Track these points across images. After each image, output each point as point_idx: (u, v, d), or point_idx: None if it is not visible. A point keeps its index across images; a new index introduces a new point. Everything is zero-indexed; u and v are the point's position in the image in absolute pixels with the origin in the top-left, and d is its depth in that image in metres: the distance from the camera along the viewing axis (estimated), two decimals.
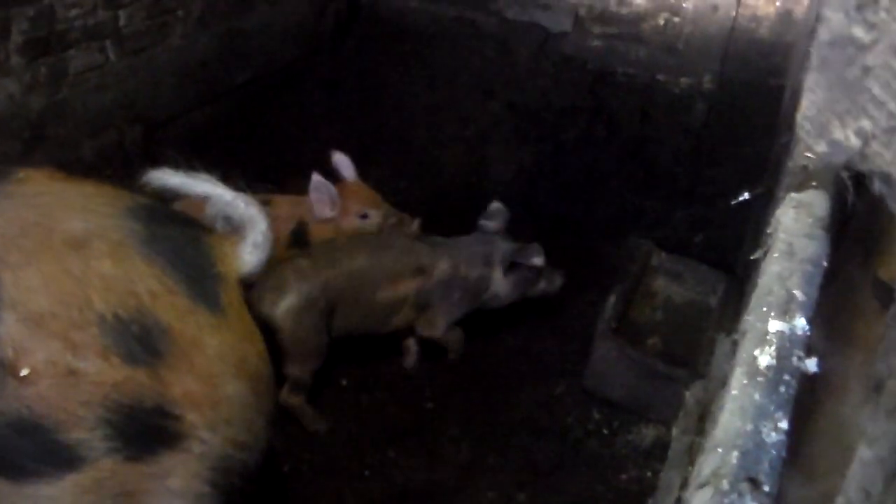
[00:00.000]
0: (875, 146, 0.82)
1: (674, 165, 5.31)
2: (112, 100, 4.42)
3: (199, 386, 1.90)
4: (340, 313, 3.46)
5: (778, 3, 5.32)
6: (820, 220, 1.31)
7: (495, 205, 3.88)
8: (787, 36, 5.21)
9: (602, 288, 4.03)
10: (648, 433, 3.61)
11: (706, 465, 0.84)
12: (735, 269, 3.97)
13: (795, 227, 1.27)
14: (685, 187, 5.16)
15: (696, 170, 5.24)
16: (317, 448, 3.50)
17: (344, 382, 3.84)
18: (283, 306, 3.30)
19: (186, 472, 1.95)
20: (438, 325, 3.72)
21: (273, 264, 2.87)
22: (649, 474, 3.42)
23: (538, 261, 3.63)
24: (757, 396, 0.92)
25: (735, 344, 1.08)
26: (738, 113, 5.32)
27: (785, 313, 1.05)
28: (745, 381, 0.94)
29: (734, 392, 0.93)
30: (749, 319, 1.06)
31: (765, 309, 1.06)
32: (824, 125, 0.85)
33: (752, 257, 1.41)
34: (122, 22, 4.37)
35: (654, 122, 5.52)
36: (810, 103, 0.88)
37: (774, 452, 0.85)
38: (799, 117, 0.89)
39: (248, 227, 2.15)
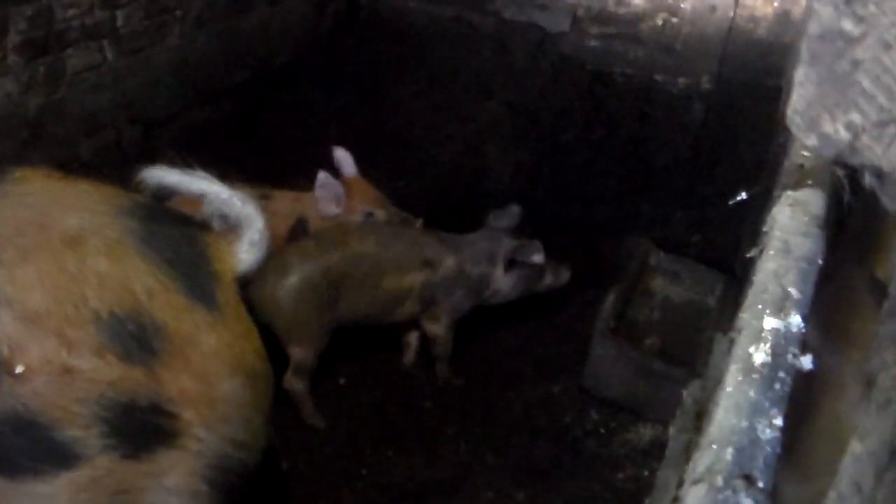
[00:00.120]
0: (865, 140, 0.82)
1: (672, 165, 5.32)
2: (110, 99, 4.42)
3: (195, 384, 1.90)
4: (346, 298, 3.47)
5: (776, 4, 5.32)
6: (816, 219, 1.31)
7: (514, 207, 3.87)
8: (784, 36, 5.21)
9: (600, 287, 4.03)
10: (646, 432, 3.61)
11: (701, 461, 0.84)
12: (733, 269, 3.97)
13: (791, 224, 1.28)
14: (683, 187, 5.17)
15: (694, 170, 5.24)
16: (315, 447, 3.50)
17: (342, 381, 3.83)
18: (285, 286, 3.31)
19: (183, 471, 1.95)
20: (442, 322, 3.71)
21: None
22: (646, 473, 3.42)
23: (538, 258, 3.63)
24: (752, 393, 0.92)
25: (731, 341, 1.08)
26: (736, 113, 5.32)
27: (780, 310, 1.05)
28: (740, 378, 0.95)
29: (729, 389, 0.93)
30: (744, 317, 1.07)
31: (760, 306, 1.06)
32: (814, 119, 0.85)
33: (748, 255, 1.41)
34: (119, 22, 4.36)
35: (653, 123, 5.52)
36: (800, 97, 0.88)
37: (769, 449, 0.85)
38: (789, 111, 0.90)
39: (244, 225, 2.15)
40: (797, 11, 5.14)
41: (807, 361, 1.00)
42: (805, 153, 1.53)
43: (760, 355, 0.98)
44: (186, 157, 2.21)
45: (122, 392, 1.80)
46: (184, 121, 5.01)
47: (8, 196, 1.96)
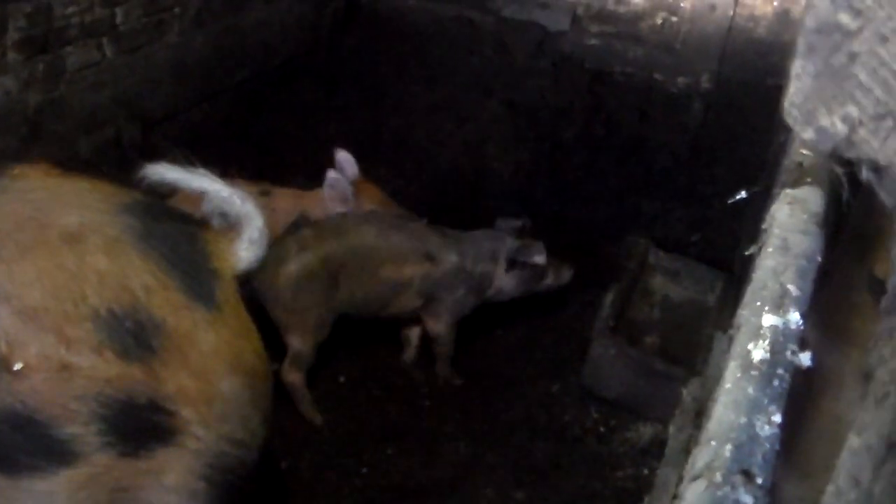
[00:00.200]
0: (862, 133, 0.82)
1: (671, 165, 5.32)
2: (109, 97, 4.41)
3: (193, 382, 1.89)
4: (344, 287, 3.47)
5: (775, 3, 5.31)
6: (815, 216, 1.31)
7: (524, 220, 3.90)
8: (784, 35, 5.21)
9: (600, 287, 4.04)
10: (646, 431, 3.61)
11: (700, 457, 0.84)
12: (732, 268, 3.97)
13: (790, 222, 1.28)
14: (683, 186, 5.17)
15: (694, 169, 5.24)
16: (315, 445, 3.50)
17: (342, 380, 3.84)
18: (283, 274, 3.32)
19: (181, 468, 1.95)
20: (444, 320, 3.71)
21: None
22: (646, 472, 3.42)
23: (539, 259, 3.64)
24: (751, 390, 0.92)
25: (730, 339, 1.08)
26: (736, 112, 5.31)
27: (779, 308, 1.05)
28: (738, 375, 0.95)
29: (728, 385, 0.93)
30: (743, 314, 1.06)
31: (759, 303, 1.06)
32: (811, 112, 0.85)
33: (746, 253, 1.41)
34: (118, 19, 4.36)
35: (652, 122, 5.52)
36: (797, 90, 0.88)
37: (768, 445, 0.85)
38: (786, 104, 0.89)
39: (244, 223, 2.15)
40: (797, 10, 5.14)
41: (805, 358, 1.00)
42: (804, 151, 1.53)
43: (759, 352, 0.98)
44: (187, 155, 2.21)
45: (120, 389, 1.80)
46: (183, 119, 5.01)
47: (7, 192, 1.96)
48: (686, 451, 2.74)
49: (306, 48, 6.06)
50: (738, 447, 0.84)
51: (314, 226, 3.53)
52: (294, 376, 3.50)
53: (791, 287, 1.09)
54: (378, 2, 6.32)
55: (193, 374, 1.90)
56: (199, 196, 2.21)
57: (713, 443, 0.85)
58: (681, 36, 5.55)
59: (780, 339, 1.00)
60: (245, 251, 2.13)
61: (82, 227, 1.89)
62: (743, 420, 0.87)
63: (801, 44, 0.86)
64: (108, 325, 1.80)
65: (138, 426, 1.86)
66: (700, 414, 2.76)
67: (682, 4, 5.54)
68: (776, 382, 0.93)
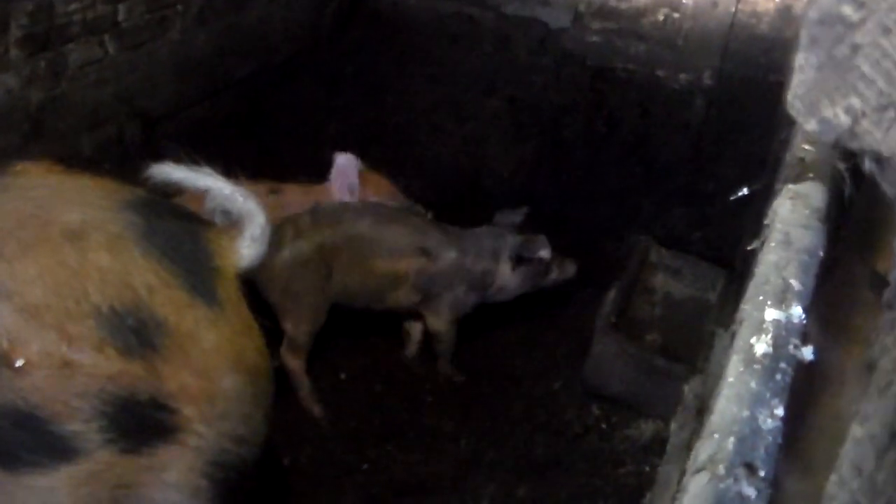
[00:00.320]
0: (865, 124, 0.82)
1: (673, 162, 5.31)
2: (111, 94, 4.41)
3: (195, 379, 1.89)
4: (338, 276, 3.47)
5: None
6: (817, 211, 1.31)
7: (524, 209, 3.87)
8: (786, 32, 5.20)
9: (601, 284, 4.03)
10: (647, 428, 3.61)
11: (703, 450, 0.84)
12: (734, 266, 3.96)
13: (792, 217, 1.28)
14: (684, 184, 5.16)
15: (696, 166, 5.24)
16: (316, 442, 3.50)
17: (343, 376, 3.84)
18: (277, 260, 3.32)
19: (183, 466, 1.95)
20: (443, 317, 3.70)
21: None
22: (647, 469, 3.42)
23: (544, 254, 3.63)
24: (753, 384, 0.92)
25: (733, 333, 1.08)
26: (738, 109, 5.31)
27: (781, 302, 1.05)
28: (741, 369, 0.95)
29: (730, 379, 0.93)
30: (746, 308, 1.07)
31: (761, 298, 1.06)
32: (814, 103, 0.85)
33: (749, 248, 1.41)
34: (121, 16, 4.36)
35: (654, 119, 5.51)
36: (800, 82, 0.88)
37: (770, 439, 0.85)
38: (789, 96, 0.90)
39: (246, 221, 2.15)
40: (799, 6, 5.13)
41: (808, 352, 1.00)
42: (806, 146, 1.53)
43: (762, 346, 0.98)
44: (188, 152, 2.21)
45: (121, 387, 1.80)
46: (185, 116, 5.01)
47: (9, 189, 1.96)
48: (688, 448, 2.74)
49: (308, 45, 6.06)
50: (740, 440, 0.84)
51: (312, 213, 3.53)
52: (293, 362, 3.52)
53: (793, 282, 1.09)
54: None
55: (195, 371, 1.90)
56: (202, 194, 2.21)
57: (716, 436, 0.85)
58: (683, 32, 5.54)
59: (782, 334, 1.00)
60: (247, 249, 2.13)
61: (84, 224, 1.89)
62: (746, 413, 0.87)
63: (803, 35, 0.86)
64: (110, 323, 1.80)
65: (140, 423, 1.86)
66: (702, 411, 2.76)
67: (683, 1, 5.54)
68: (778, 376, 0.94)
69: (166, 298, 1.89)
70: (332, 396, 3.71)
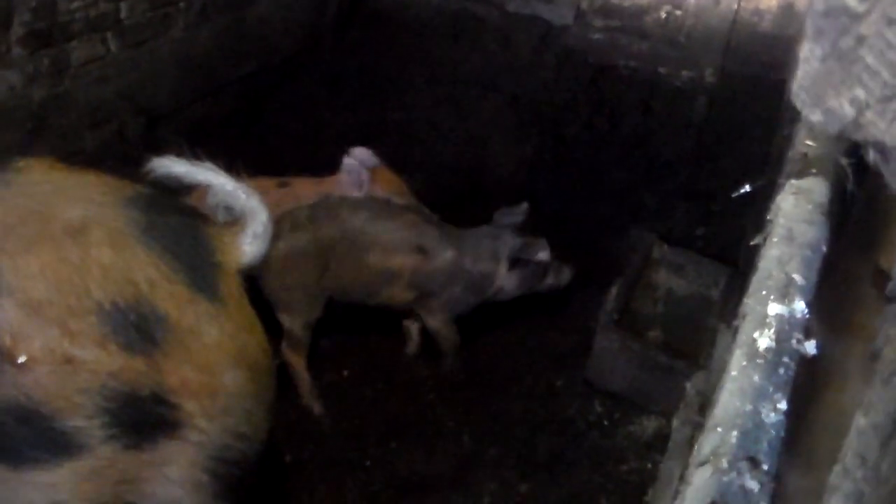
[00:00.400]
0: (869, 115, 0.82)
1: (675, 159, 5.30)
2: (113, 91, 4.42)
3: (196, 375, 1.89)
4: (332, 269, 3.47)
5: None
6: (819, 206, 1.31)
7: (523, 205, 3.81)
8: (789, 30, 5.19)
9: (604, 280, 4.03)
10: (649, 425, 3.61)
11: (706, 444, 0.84)
12: (737, 262, 3.96)
13: (795, 212, 1.27)
14: (687, 180, 5.15)
15: (698, 163, 5.23)
16: (318, 439, 3.50)
17: (345, 373, 3.84)
18: (273, 253, 3.31)
19: (184, 461, 1.95)
20: (438, 316, 3.69)
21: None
22: (650, 465, 3.42)
23: (543, 256, 3.61)
24: (756, 378, 0.92)
25: (736, 328, 1.08)
26: (740, 107, 5.30)
27: (784, 297, 1.05)
28: (744, 363, 0.95)
29: (734, 373, 0.93)
30: (748, 303, 1.07)
31: (764, 292, 1.06)
32: (819, 95, 0.85)
33: (751, 243, 1.40)
34: (123, 14, 4.37)
35: (656, 116, 5.50)
36: (805, 73, 0.88)
37: (773, 432, 0.85)
38: (794, 87, 0.90)
39: (248, 217, 2.15)
40: (801, 4, 5.12)
41: (811, 347, 1.00)
42: (809, 142, 1.53)
43: (765, 340, 0.98)
44: (191, 149, 2.21)
45: (124, 382, 1.80)
46: (187, 113, 5.01)
47: (11, 186, 1.96)
48: (690, 444, 2.74)
49: (310, 43, 6.06)
50: (743, 434, 0.84)
51: (310, 207, 3.53)
52: (292, 358, 3.53)
53: (796, 276, 1.09)
54: None
55: (197, 367, 1.90)
56: (204, 189, 2.21)
57: (719, 429, 0.85)
58: (685, 30, 5.53)
59: (785, 328, 1.00)
60: (249, 245, 2.13)
61: (86, 220, 1.89)
62: (749, 407, 0.87)
63: (809, 27, 0.86)
64: (112, 319, 1.80)
65: (142, 419, 1.86)
66: (704, 407, 2.76)
67: None
68: (781, 370, 0.94)
69: (168, 294, 1.89)
70: (334, 394, 3.71)
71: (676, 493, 0.92)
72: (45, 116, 4.01)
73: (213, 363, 1.95)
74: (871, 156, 0.87)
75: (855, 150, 1.34)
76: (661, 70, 5.58)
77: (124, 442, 1.84)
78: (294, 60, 5.90)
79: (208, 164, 2.17)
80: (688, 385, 3.20)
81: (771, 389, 0.90)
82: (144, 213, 1.98)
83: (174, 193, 2.37)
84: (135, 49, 4.51)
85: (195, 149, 2.21)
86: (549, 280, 3.85)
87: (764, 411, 0.87)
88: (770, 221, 1.29)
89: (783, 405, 0.89)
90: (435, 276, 3.59)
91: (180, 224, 2.05)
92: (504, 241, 3.67)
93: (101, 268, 1.83)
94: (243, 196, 2.15)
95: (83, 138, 4.30)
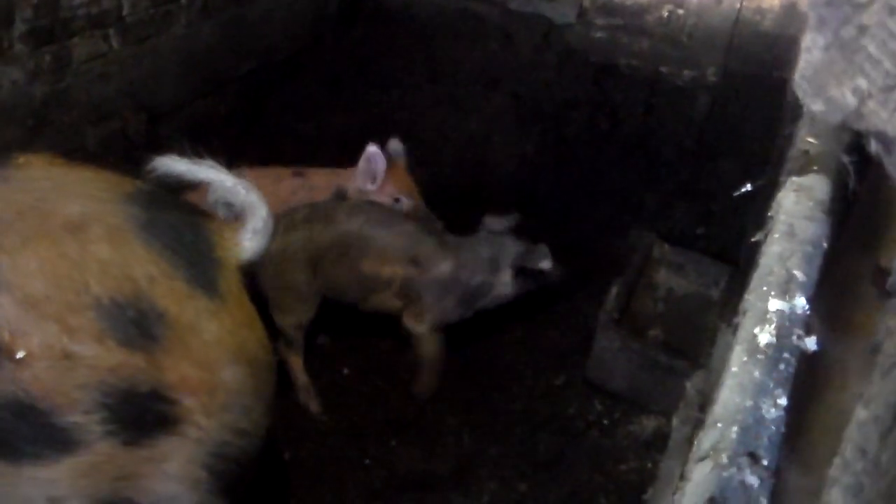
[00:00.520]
0: (871, 105, 0.82)
1: (677, 158, 5.30)
2: (115, 88, 4.41)
3: (195, 371, 1.89)
4: (323, 272, 3.45)
5: None
6: (820, 204, 1.30)
7: (515, 214, 3.76)
8: (791, 28, 5.19)
9: (604, 279, 4.02)
10: (649, 424, 3.61)
11: (706, 439, 0.84)
12: (737, 262, 3.96)
13: (796, 209, 1.27)
14: (688, 180, 5.15)
15: (699, 162, 5.23)
16: (318, 437, 3.50)
17: (345, 372, 3.84)
18: (267, 252, 3.30)
19: (183, 457, 1.94)
20: (426, 321, 3.61)
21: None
22: (650, 465, 3.42)
23: (545, 265, 3.56)
24: (757, 374, 0.91)
25: (736, 324, 1.08)
26: (742, 106, 5.30)
27: (785, 293, 1.05)
28: (745, 359, 0.94)
29: (734, 369, 0.93)
30: (749, 299, 1.06)
31: (765, 288, 1.06)
32: (821, 85, 0.85)
33: (753, 239, 1.40)
34: (125, 10, 4.36)
35: (658, 115, 5.50)
36: (807, 63, 0.88)
37: (774, 428, 0.85)
38: (796, 77, 0.89)
39: (248, 213, 2.15)
40: (803, 3, 5.11)
41: (811, 343, 1.00)
42: (810, 139, 1.53)
43: (765, 336, 0.98)
44: (193, 146, 2.21)
45: (122, 378, 1.80)
46: (189, 110, 5.01)
47: (10, 181, 1.96)
48: (690, 443, 2.74)
49: (312, 41, 6.06)
50: (744, 429, 0.84)
51: (308, 207, 3.53)
52: (288, 357, 3.52)
53: (797, 272, 1.09)
54: None
55: (196, 363, 1.90)
56: (204, 186, 2.21)
57: (719, 425, 0.85)
58: (687, 29, 5.53)
59: (786, 324, 1.00)
60: (249, 241, 2.13)
61: (85, 216, 1.88)
62: (749, 403, 0.87)
63: (811, 17, 0.86)
64: (111, 314, 1.80)
65: (140, 415, 1.85)
66: (704, 407, 2.75)
67: None
68: (782, 366, 0.93)
69: (167, 290, 1.88)
70: (334, 392, 3.71)
71: (676, 490, 0.91)
72: (46, 113, 4.00)
73: (213, 359, 1.94)
74: (873, 146, 0.86)
75: (856, 148, 1.34)
76: (663, 69, 5.58)
77: (123, 438, 1.84)
78: (295, 58, 5.90)
79: (209, 161, 2.16)
80: (688, 384, 3.20)
81: (771, 385, 0.90)
82: (144, 209, 1.98)
83: (174, 190, 2.38)
84: (137, 46, 4.51)
85: (196, 146, 2.21)
86: (542, 280, 3.76)
87: (764, 407, 0.87)
88: (771, 218, 1.29)
89: (783, 401, 0.89)
90: (428, 287, 3.54)
91: (180, 220, 2.05)
92: (504, 248, 3.62)
93: (100, 264, 1.83)
94: (243, 192, 2.15)
95: (85, 135, 4.29)
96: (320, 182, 3.81)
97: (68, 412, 1.78)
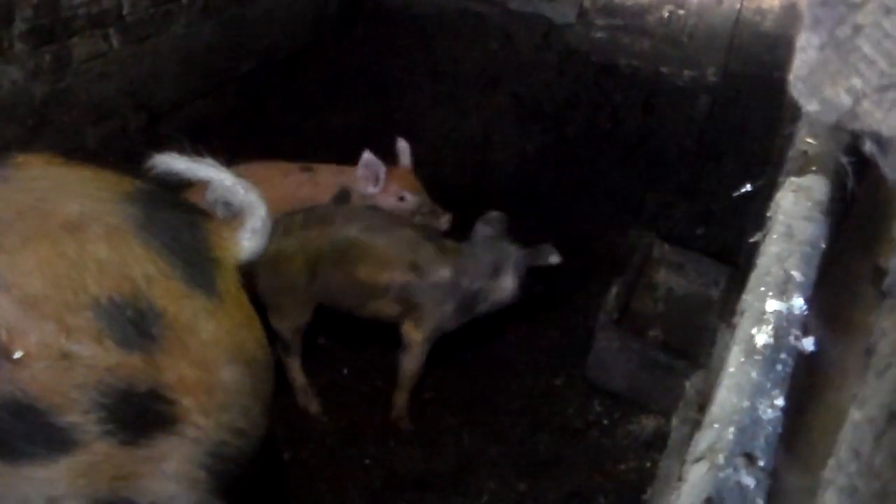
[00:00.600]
0: (866, 105, 0.82)
1: (677, 158, 5.30)
2: (115, 88, 4.41)
3: (193, 371, 1.89)
4: (320, 276, 3.44)
5: None
6: (819, 204, 1.30)
7: (494, 213, 3.67)
8: (791, 29, 5.18)
9: (604, 279, 4.03)
10: (649, 424, 3.61)
11: (703, 440, 0.84)
12: (737, 262, 3.96)
13: (794, 209, 1.27)
14: (688, 180, 5.16)
15: (700, 162, 5.23)
16: (318, 437, 3.50)
17: (345, 371, 3.84)
18: (263, 256, 3.29)
19: (181, 457, 1.94)
20: (423, 327, 3.55)
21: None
22: (649, 464, 3.41)
23: (554, 259, 3.51)
24: (754, 374, 0.91)
25: (734, 324, 1.08)
26: (742, 106, 5.30)
27: (783, 293, 1.04)
28: (742, 360, 0.94)
29: (731, 370, 0.93)
30: (747, 299, 1.06)
31: (763, 289, 1.06)
32: (816, 85, 0.85)
33: (751, 240, 1.40)
34: (125, 10, 4.36)
35: (658, 115, 5.50)
36: (802, 63, 0.88)
37: (770, 429, 0.85)
38: (791, 77, 0.89)
39: (247, 212, 2.14)
40: (804, 3, 5.10)
41: (808, 343, 0.99)
42: (809, 140, 1.52)
43: (763, 337, 0.97)
44: (193, 146, 2.20)
45: (120, 378, 1.79)
46: (189, 109, 5.01)
47: (8, 181, 1.95)
48: (689, 443, 2.74)
49: (312, 40, 6.06)
50: (740, 430, 0.84)
51: (306, 211, 3.52)
52: (285, 359, 3.51)
53: (795, 273, 1.09)
54: None
55: (194, 363, 1.90)
56: (204, 185, 2.21)
57: (716, 425, 0.85)
58: (687, 29, 5.53)
59: (783, 324, 1.00)
60: (247, 241, 2.12)
61: (83, 216, 1.88)
62: (746, 403, 0.87)
63: (806, 16, 0.86)
64: (109, 314, 1.80)
65: (139, 415, 1.85)
66: (703, 407, 2.75)
67: None
68: (779, 367, 0.93)
69: (165, 290, 1.88)
70: (334, 392, 3.71)
71: (674, 492, 0.91)
72: (46, 112, 4.00)
73: (211, 359, 1.94)
74: (868, 146, 0.86)
75: (855, 149, 1.33)
76: (664, 69, 5.58)
77: (120, 438, 1.84)
78: (295, 58, 5.90)
79: (208, 160, 2.16)
80: (687, 384, 3.19)
81: (768, 386, 0.90)
82: (142, 208, 1.97)
83: (172, 189, 2.37)
84: (137, 45, 4.51)
85: (196, 145, 2.20)
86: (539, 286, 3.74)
87: (761, 407, 0.87)
88: (770, 219, 1.29)
89: (780, 401, 0.88)
90: (428, 293, 3.50)
91: (178, 219, 2.05)
92: (506, 253, 3.56)
93: (98, 263, 1.82)
94: (242, 191, 2.14)
95: (85, 135, 4.29)
96: (326, 179, 3.85)
97: (66, 412, 1.77)
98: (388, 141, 3.96)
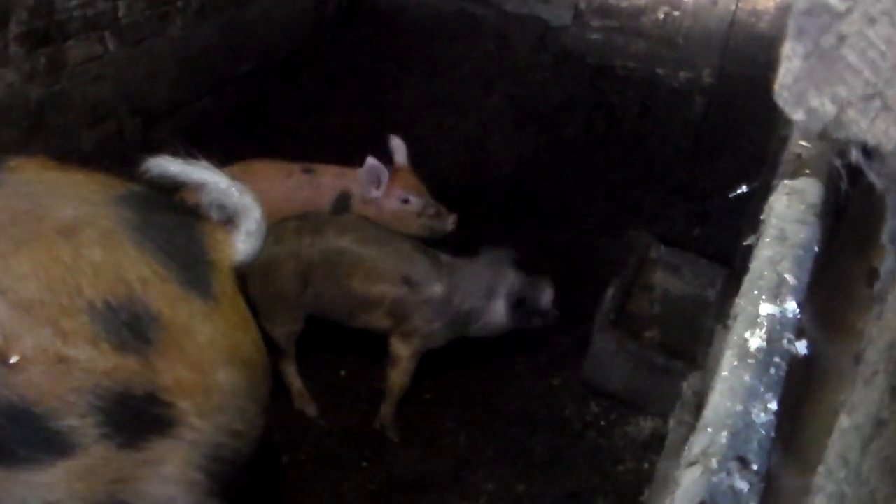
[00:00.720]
0: (851, 113, 0.82)
1: (673, 159, 5.31)
2: (111, 90, 4.41)
3: (190, 373, 1.89)
4: (313, 287, 3.44)
5: None
6: (812, 207, 1.30)
7: (508, 251, 3.63)
8: (786, 30, 5.19)
9: (600, 281, 4.03)
10: (646, 425, 3.61)
11: (696, 444, 0.84)
12: (733, 263, 3.96)
13: (787, 212, 1.27)
14: (684, 181, 5.16)
15: (695, 164, 5.24)
16: (315, 439, 3.50)
17: (343, 373, 3.84)
18: (255, 262, 3.28)
19: (179, 460, 1.94)
20: (412, 343, 3.53)
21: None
22: (646, 466, 3.42)
23: (545, 303, 3.51)
24: (747, 378, 0.91)
25: (727, 328, 1.08)
26: (738, 107, 5.31)
27: (776, 297, 1.05)
28: (735, 363, 0.94)
29: (724, 373, 0.93)
30: (740, 303, 1.06)
31: (756, 292, 1.06)
32: (801, 93, 0.85)
33: (744, 243, 1.40)
34: (121, 12, 4.36)
35: (654, 116, 5.51)
36: (787, 72, 0.88)
37: (764, 433, 0.85)
38: (777, 86, 0.90)
39: (242, 215, 2.14)
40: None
41: (802, 347, 1.00)
42: (803, 143, 1.53)
43: (756, 340, 0.98)
44: (188, 148, 2.20)
45: (116, 381, 1.80)
46: (185, 112, 5.01)
47: (3, 185, 1.95)
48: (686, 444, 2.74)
49: (309, 42, 6.06)
50: (734, 434, 0.84)
51: (300, 218, 3.50)
52: (280, 363, 3.50)
53: (788, 276, 1.09)
54: None
55: (190, 365, 1.90)
56: (199, 187, 2.20)
57: (709, 429, 0.85)
58: (683, 30, 5.54)
59: (776, 328, 1.00)
60: (242, 243, 2.12)
61: (78, 219, 1.88)
62: (739, 407, 0.87)
63: (791, 25, 0.86)
64: (104, 318, 1.80)
65: (135, 418, 1.85)
66: (700, 408, 2.75)
67: None
68: (773, 370, 0.93)
69: (160, 292, 1.88)
70: (332, 394, 3.71)
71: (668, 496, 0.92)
72: (42, 115, 4.00)
73: (207, 361, 1.94)
74: (854, 155, 0.87)
75: (849, 152, 1.34)
76: (659, 70, 5.59)
77: (118, 441, 1.84)
78: (293, 59, 5.90)
79: (203, 163, 2.16)
80: (684, 385, 3.20)
81: (762, 389, 0.90)
82: (137, 211, 1.98)
83: (167, 192, 2.37)
84: (133, 48, 4.51)
85: (193, 148, 2.20)
86: (536, 322, 3.65)
87: (754, 411, 0.87)
88: (763, 221, 1.29)
89: (774, 405, 0.89)
90: (421, 308, 3.47)
91: (173, 222, 2.05)
92: (504, 277, 3.53)
93: (93, 267, 1.83)
94: (237, 194, 2.14)
95: (80, 137, 4.29)
96: (327, 181, 3.83)
97: (63, 416, 1.78)
98: (385, 141, 3.96)
